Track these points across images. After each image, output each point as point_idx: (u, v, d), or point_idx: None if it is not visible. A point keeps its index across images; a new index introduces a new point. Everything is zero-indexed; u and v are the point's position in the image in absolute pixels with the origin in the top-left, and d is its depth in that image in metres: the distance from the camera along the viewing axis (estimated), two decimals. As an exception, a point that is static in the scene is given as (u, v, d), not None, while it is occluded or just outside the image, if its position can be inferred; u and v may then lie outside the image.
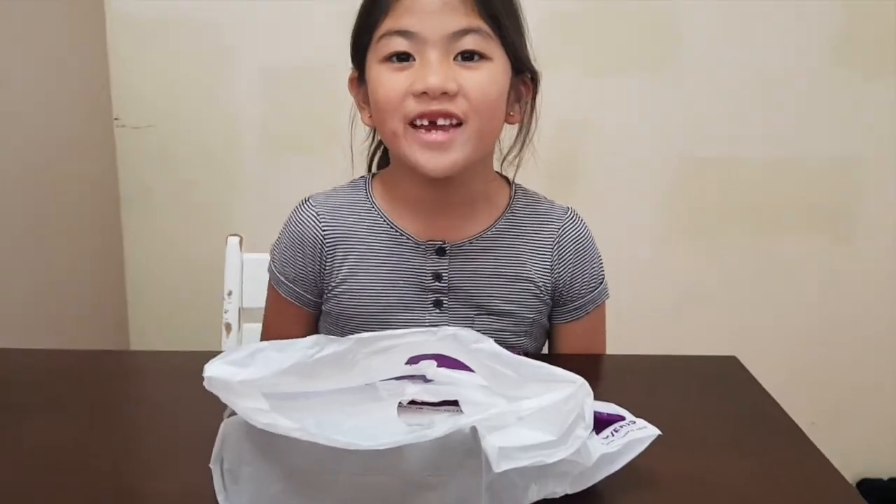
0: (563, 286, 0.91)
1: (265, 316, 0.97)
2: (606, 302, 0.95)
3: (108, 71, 1.54)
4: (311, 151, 1.57)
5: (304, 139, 1.59)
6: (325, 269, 0.89)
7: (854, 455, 1.81)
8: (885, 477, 1.85)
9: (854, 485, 1.84)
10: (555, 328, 0.94)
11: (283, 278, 0.91)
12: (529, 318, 0.90)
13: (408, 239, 0.87)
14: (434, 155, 0.79)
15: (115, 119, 1.56)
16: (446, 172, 0.80)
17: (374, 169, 0.97)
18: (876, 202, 1.68)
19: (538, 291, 0.89)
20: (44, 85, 1.36)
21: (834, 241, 1.71)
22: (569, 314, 0.93)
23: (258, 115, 1.58)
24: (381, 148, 0.95)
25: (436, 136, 0.78)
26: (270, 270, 0.94)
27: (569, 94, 1.55)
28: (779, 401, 0.79)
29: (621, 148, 1.64)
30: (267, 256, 0.98)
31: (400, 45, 0.79)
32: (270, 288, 0.94)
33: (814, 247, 1.71)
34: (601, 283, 0.93)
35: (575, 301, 0.92)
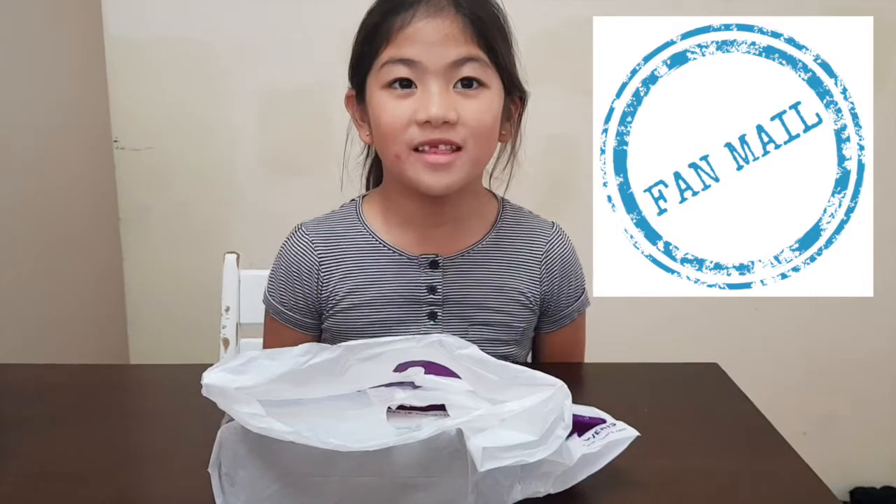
0: (550, 298, 0.95)
1: (264, 347, 0.98)
2: (592, 311, 0.99)
3: (107, 95, 1.57)
4: (307, 170, 1.60)
5: (299, 159, 1.62)
6: (322, 294, 0.92)
7: (847, 464, 1.83)
8: (878, 485, 1.86)
9: (847, 494, 1.86)
10: (539, 336, 0.98)
11: (282, 308, 0.94)
12: (520, 327, 0.93)
13: (401, 255, 0.90)
14: (436, 175, 0.83)
15: (115, 141, 1.60)
16: (445, 191, 0.84)
17: (370, 186, 1.00)
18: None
19: (527, 302, 0.93)
20: (45, 108, 1.39)
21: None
22: (554, 323, 0.96)
23: (254, 135, 1.62)
24: (377, 164, 0.98)
25: (438, 157, 0.82)
26: (268, 302, 0.95)
27: (562, 113, 1.59)
28: (770, 411, 0.81)
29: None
30: (263, 273, 1.00)
31: (402, 72, 0.82)
32: (269, 321, 0.96)
33: (802, 259, 1.74)
34: (583, 292, 0.98)
35: (560, 311, 0.96)
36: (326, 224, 0.94)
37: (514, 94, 0.89)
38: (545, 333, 0.97)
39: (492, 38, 0.84)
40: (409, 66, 0.82)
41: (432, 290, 0.90)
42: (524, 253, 0.93)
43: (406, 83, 0.82)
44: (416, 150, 0.82)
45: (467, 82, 0.83)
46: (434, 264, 0.90)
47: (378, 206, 0.93)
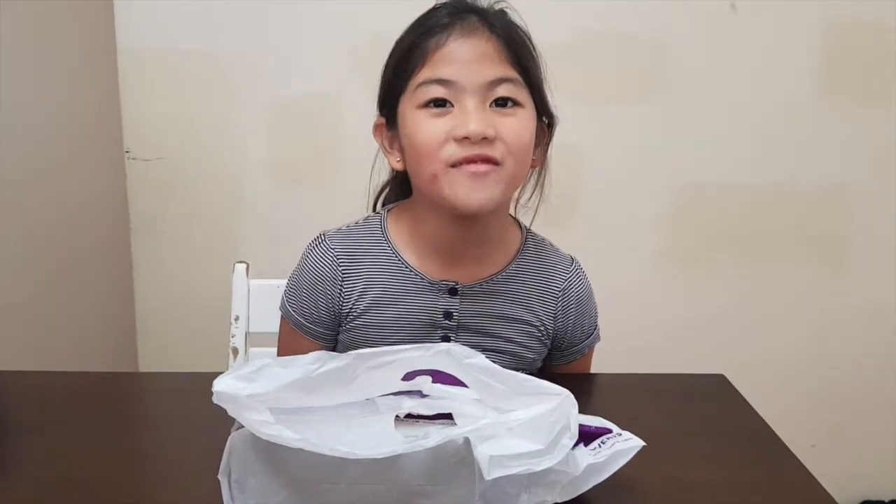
0: (563, 334, 0.95)
1: (279, 354, 0.98)
2: (602, 323, 0.99)
3: (119, 105, 1.58)
4: (315, 181, 1.60)
5: (308, 168, 1.62)
6: (343, 309, 0.92)
7: (855, 476, 1.82)
8: (887, 499, 1.85)
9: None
10: (546, 366, 0.97)
11: (303, 321, 0.93)
12: (531, 358, 0.94)
13: (422, 278, 0.90)
14: (474, 189, 0.81)
15: (126, 151, 1.61)
16: (479, 209, 0.82)
17: (377, 207, 0.99)
18: (865, 227, 1.72)
19: (540, 335, 0.93)
20: (58, 119, 1.41)
21: (828, 264, 1.74)
22: (564, 358, 0.97)
23: (264, 146, 1.63)
24: (389, 188, 0.98)
25: (479, 166, 0.81)
26: (286, 312, 0.95)
27: (565, 122, 1.59)
28: (779, 423, 0.81)
29: (616, 176, 1.68)
30: (273, 282, 1.00)
31: (438, 92, 0.82)
32: (287, 330, 0.96)
33: (808, 271, 1.74)
34: (595, 329, 0.98)
35: (572, 347, 0.96)
36: (350, 237, 0.93)
37: (543, 119, 0.89)
38: (552, 365, 0.97)
39: (524, 59, 0.84)
40: (446, 86, 0.81)
41: (448, 315, 0.90)
42: (542, 287, 0.93)
43: (441, 103, 0.82)
44: (452, 167, 0.81)
45: (502, 102, 0.82)
46: (453, 291, 0.90)
47: (402, 226, 0.92)
